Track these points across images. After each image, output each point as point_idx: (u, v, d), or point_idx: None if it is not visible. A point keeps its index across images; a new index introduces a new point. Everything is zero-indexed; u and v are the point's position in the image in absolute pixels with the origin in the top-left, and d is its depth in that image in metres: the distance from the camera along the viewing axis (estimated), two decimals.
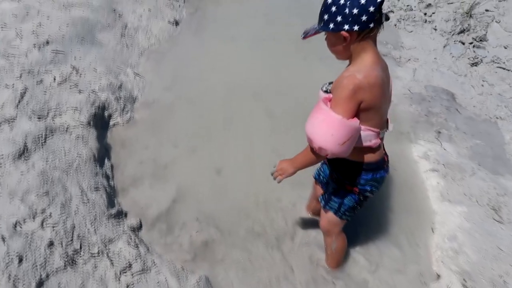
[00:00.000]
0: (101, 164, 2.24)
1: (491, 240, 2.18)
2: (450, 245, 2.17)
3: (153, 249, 1.94)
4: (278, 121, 2.75)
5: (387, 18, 1.34)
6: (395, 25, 4.29)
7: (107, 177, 2.21)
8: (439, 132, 2.97)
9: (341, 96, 1.35)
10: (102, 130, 2.48)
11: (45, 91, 2.37)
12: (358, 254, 2.10)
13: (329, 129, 1.37)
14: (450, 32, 4.09)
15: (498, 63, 3.71)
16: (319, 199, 1.87)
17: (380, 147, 1.60)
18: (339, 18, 1.31)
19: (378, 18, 1.31)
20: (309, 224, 2.22)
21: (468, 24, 4.09)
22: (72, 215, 1.84)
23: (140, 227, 2.05)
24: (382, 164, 1.64)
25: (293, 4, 4.47)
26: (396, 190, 2.50)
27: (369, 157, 1.57)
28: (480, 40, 3.95)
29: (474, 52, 3.86)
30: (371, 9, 1.27)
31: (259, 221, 2.18)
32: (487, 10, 4.22)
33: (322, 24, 1.38)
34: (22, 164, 1.94)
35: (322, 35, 1.45)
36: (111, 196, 2.11)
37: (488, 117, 3.22)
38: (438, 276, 2.06)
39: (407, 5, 4.56)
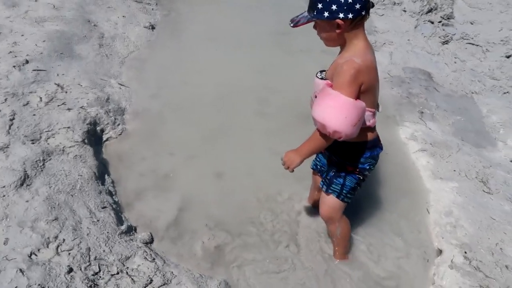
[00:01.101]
0: (103, 181, 2.23)
1: (483, 212, 2.32)
2: (447, 221, 2.30)
3: (169, 260, 1.96)
4: (271, 119, 2.80)
5: (372, 5, 1.46)
6: None
7: (110, 194, 2.20)
8: (422, 112, 3.10)
9: (344, 81, 1.43)
10: (97, 146, 2.45)
11: (33, 113, 2.32)
12: (360, 242, 2.17)
13: (342, 112, 1.43)
14: (419, 12, 4.23)
15: (467, 39, 3.88)
16: (320, 186, 1.92)
17: (375, 126, 1.71)
18: (334, 7, 1.38)
19: (369, 5, 1.42)
20: (313, 217, 2.29)
21: (435, 3, 4.23)
22: (85, 237, 1.83)
23: (152, 240, 2.06)
24: (377, 142, 1.75)
25: (266, 1, 4.49)
26: (390, 174, 2.61)
27: (367, 136, 1.68)
28: (448, 18, 4.11)
29: (444, 30, 4.01)
30: None
31: (266, 220, 2.23)
32: None
33: (315, 13, 1.44)
34: (26, 192, 1.91)
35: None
36: (118, 212, 2.11)
37: (464, 93, 3.38)
38: (440, 251, 2.18)
39: None
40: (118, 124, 2.64)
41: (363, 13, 1.41)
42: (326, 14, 1.41)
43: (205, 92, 3.01)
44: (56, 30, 2.97)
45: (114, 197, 2.22)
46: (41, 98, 2.43)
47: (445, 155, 2.69)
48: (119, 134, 2.60)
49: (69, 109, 2.45)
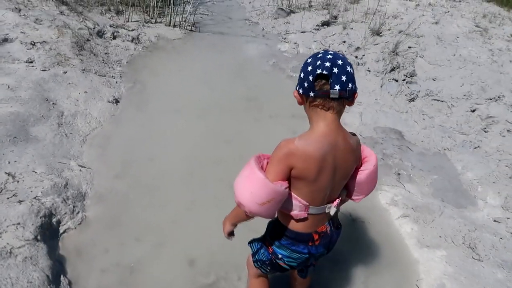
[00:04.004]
0: (57, 285, 1.95)
1: (477, 282, 2.18)
2: None
3: None
4: None
5: (338, 96, 1.26)
6: None
7: None
8: (399, 174, 3.03)
9: (273, 156, 1.35)
10: (52, 241, 2.19)
11: None
12: None
13: (249, 186, 1.34)
14: (383, 71, 4.34)
15: (432, 95, 3.96)
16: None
17: (307, 220, 1.47)
18: (298, 79, 1.37)
19: (320, 90, 1.27)
20: None
21: (397, 62, 4.37)
22: None
23: None
24: (305, 239, 1.51)
25: (230, 68, 4.51)
26: (374, 244, 2.47)
27: (288, 223, 1.49)
28: (411, 76, 4.22)
29: (408, 87, 4.10)
30: (310, 77, 1.28)
31: None
32: (410, 47, 4.56)
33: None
34: None
35: None
36: None
37: (437, 150, 3.37)
38: None
39: (338, 51, 4.80)
40: (78, 212, 2.40)
41: (310, 93, 1.29)
42: (297, 83, 1.38)
43: (173, 167, 2.84)
44: (10, 112, 2.78)
45: None
46: None
47: (428, 220, 2.59)
48: (79, 224, 2.36)
49: (20, 202, 2.20)
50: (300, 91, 1.34)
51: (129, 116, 3.38)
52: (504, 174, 2.99)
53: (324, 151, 1.32)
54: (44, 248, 2.07)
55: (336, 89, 1.26)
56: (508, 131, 3.41)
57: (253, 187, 1.32)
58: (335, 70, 1.25)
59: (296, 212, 1.43)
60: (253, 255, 1.71)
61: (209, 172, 2.86)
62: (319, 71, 1.26)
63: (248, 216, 1.47)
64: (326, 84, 1.26)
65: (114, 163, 2.84)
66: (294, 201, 1.40)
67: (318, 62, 1.27)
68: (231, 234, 1.65)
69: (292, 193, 1.39)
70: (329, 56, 1.28)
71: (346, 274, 2.24)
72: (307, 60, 1.34)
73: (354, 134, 1.47)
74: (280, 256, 1.56)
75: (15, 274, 1.85)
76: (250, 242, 1.74)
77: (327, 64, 1.25)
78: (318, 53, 1.33)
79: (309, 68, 1.29)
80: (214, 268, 2.19)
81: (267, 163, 1.38)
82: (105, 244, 2.28)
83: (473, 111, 3.70)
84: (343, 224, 2.55)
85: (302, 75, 1.32)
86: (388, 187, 2.88)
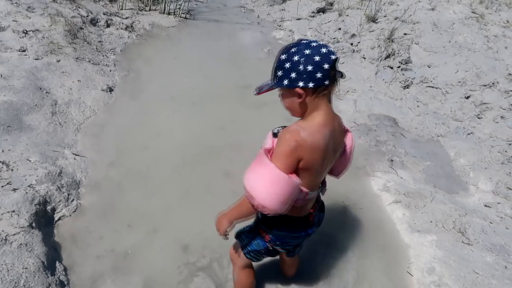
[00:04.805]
0: (53, 271, 1.98)
1: (466, 265, 2.22)
2: (431, 279, 2.18)
3: None
4: (237, 179, 2.65)
5: (342, 76, 1.32)
6: None
7: (62, 285, 1.95)
8: (392, 160, 3.05)
9: (282, 151, 1.30)
10: (47, 228, 2.21)
11: None
12: None
13: (274, 187, 1.29)
14: (378, 58, 4.33)
15: (426, 82, 3.96)
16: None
17: (304, 206, 1.53)
18: (293, 75, 1.27)
19: (333, 75, 1.28)
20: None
21: (392, 49, 4.35)
22: None
23: None
24: (303, 222, 1.57)
25: (225, 55, 4.49)
26: (366, 229, 2.50)
27: (290, 212, 1.48)
28: (406, 63, 4.22)
29: (403, 74, 4.10)
30: (326, 66, 1.24)
31: None
32: (405, 34, 4.54)
33: (276, 80, 1.33)
34: None
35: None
36: None
37: (430, 137, 3.39)
38: None
39: (333, 38, 4.78)
40: (72, 200, 2.42)
41: (326, 82, 1.27)
42: (285, 82, 1.29)
43: (166, 155, 2.85)
44: (4, 101, 2.78)
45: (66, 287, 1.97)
46: None
47: (419, 205, 2.62)
48: (73, 211, 2.38)
49: (14, 190, 2.22)
50: (310, 84, 1.26)
51: (123, 104, 3.38)
52: (496, 160, 3.02)
53: (327, 140, 1.34)
54: (39, 235, 2.09)
55: (339, 70, 1.31)
56: (501, 117, 3.42)
57: (278, 187, 1.29)
58: (330, 49, 1.28)
59: (299, 201, 1.46)
60: (244, 247, 1.71)
61: (203, 160, 2.87)
62: (333, 57, 1.25)
63: (254, 213, 1.45)
64: (333, 69, 1.28)
65: (108, 152, 2.85)
66: (301, 190, 1.39)
67: (322, 50, 1.25)
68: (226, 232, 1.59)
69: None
70: (319, 43, 1.28)
71: (338, 258, 2.27)
72: (302, 52, 1.26)
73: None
74: (278, 242, 1.59)
75: (11, 261, 1.87)
76: (238, 236, 1.74)
77: (329, 49, 1.27)
78: (305, 43, 1.28)
79: (317, 58, 1.23)
80: (208, 253, 2.22)
81: (271, 156, 1.35)
82: (100, 231, 2.30)
83: (467, 97, 3.71)
84: (336, 210, 2.60)
85: (309, 67, 1.24)
86: (381, 173, 2.90)
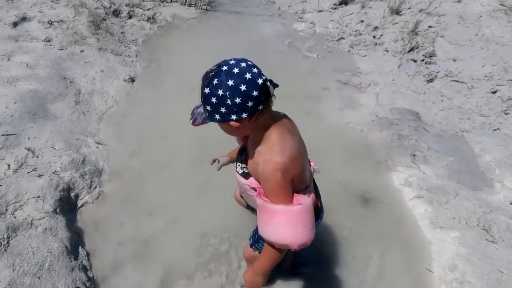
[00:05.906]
0: (76, 256, 2.03)
1: (490, 263, 2.17)
2: (453, 276, 2.13)
3: None
4: None
5: (276, 85, 1.25)
6: (348, 51, 4.39)
7: (85, 269, 1.99)
8: (414, 155, 2.99)
9: (275, 185, 1.28)
10: (70, 214, 2.26)
11: (0, 184, 2.14)
12: None
13: (298, 224, 1.30)
14: (401, 51, 4.23)
15: (451, 76, 3.86)
16: (250, 235, 1.76)
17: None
18: (223, 110, 1.20)
19: (266, 92, 1.22)
20: None
21: (416, 42, 4.25)
22: None
23: None
24: (317, 211, 1.57)
25: (246, 47, 4.46)
26: (387, 225, 2.46)
27: None
28: (430, 56, 4.11)
29: (427, 68, 4.00)
30: (255, 93, 1.17)
31: None
32: (430, 27, 4.43)
33: (207, 114, 1.27)
34: None
35: None
36: None
37: (454, 132, 3.30)
38: None
39: (356, 30, 4.70)
40: (95, 187, 2.46)
41: (259, 107, 1.21)
42: (217, 116, 1.23)
43: (187, 146, 2.87)
44: (29, 89, 2.84)
45: (88, 272, 2.01)
46: (9, 165, 2.26)
47: (442, 201, 2.56)
48: (96, 198, 2.42)
49: (40, 176, 2.27)
50: (244, 115, 1.20)
51: (145, 95, 3.41)
52: None
53: (295, 143, 1.34)
54: (63, 221, 2.15)
55: (269, 84, 1.22)
56: None
57: (300, 221, 1.30)
58: (255, 70, 1.21)
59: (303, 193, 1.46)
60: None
61: (222, 151, 2.87)
62: (260, 81, 1.18)
63: (282, 256, 1.44)
64: (263, 92, 1.21)
65: (130, 141, 2.89)
66: (303, 195, 1.39)
67: (247, 76, 1.17)
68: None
69: (299, 191, 1.40)
70: (241, 66, 1.19)
71: (358, 253, 2.25)
72: (224, 84, 1.17)
73: None
74: None
75: (36, 244, 1.92)
76: (255, 243, 1.70)
77: (253, 70, 1.19)
78: (226, 70, 1.19)
79: (243, 87, 1.16)
80: (226, 240, 2.24)
81: (265, 196, 1.33)
82: (121, 218, 2.34)
83: (494, 92, 3.60)
84: (356, 204, 2.56)
85: (238, 100, 1.17)
86: (403, 168, 2.85)
